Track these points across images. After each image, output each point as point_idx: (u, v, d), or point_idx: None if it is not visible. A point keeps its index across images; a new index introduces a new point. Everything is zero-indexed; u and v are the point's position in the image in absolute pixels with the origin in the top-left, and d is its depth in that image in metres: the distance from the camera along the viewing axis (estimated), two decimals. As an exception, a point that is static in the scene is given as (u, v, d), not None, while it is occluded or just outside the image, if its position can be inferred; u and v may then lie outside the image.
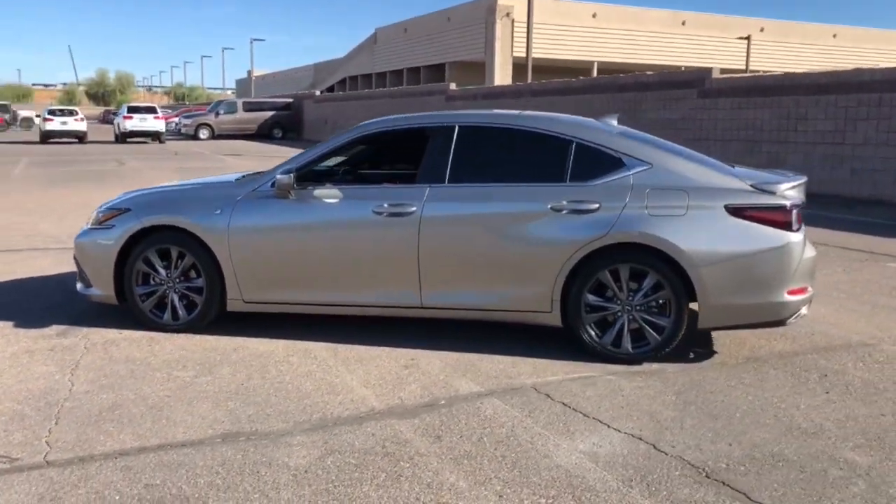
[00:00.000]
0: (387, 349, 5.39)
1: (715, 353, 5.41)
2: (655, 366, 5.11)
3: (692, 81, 18.51)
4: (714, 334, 5.76)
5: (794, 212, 5.01)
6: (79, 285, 6.05)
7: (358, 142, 5.78)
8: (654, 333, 5.10)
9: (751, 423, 4.21)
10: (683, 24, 52.27)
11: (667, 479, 3.56)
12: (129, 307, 5.84)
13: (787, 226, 4.98)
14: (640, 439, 3.99)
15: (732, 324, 5.15)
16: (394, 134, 5.77)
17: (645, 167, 5.19)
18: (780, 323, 5.12)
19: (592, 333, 5.17)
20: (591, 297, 5.14)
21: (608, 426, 4.15)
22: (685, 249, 4.95)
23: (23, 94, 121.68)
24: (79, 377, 4.81)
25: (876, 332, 5.96)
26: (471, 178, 5.37)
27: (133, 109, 36.55)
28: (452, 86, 31.24)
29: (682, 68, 31.30)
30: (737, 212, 5.00)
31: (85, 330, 5.80)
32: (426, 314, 5.45)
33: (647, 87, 19.91)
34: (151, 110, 36.52)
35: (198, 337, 5.65)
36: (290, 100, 44.54)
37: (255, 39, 73.79)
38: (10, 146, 34.03)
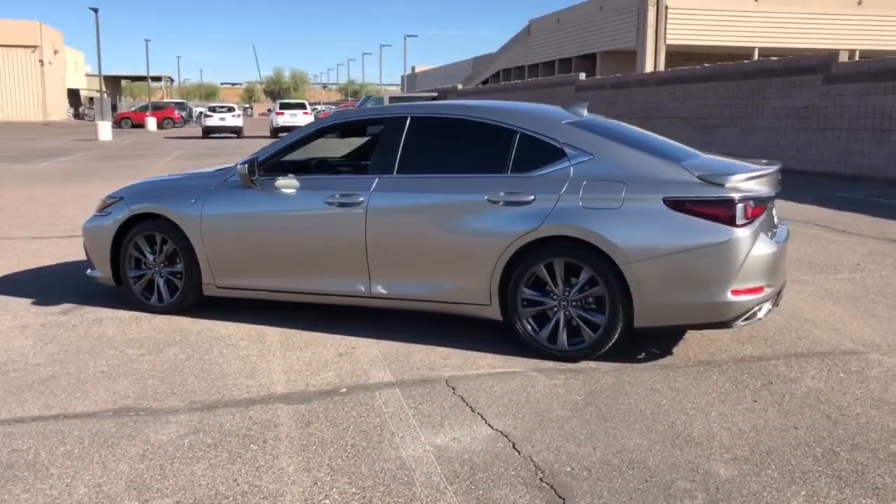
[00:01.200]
0: (337, 337, 5.48)
1: (671, 354, 5.11)
2: (592, 364, 4.91)
3: (817, 67, 17.20)
4: (691, 334, 5.43)
5: (741, 205, 4.64)
6: (88, 269, 6.55)
7: (322, 133, 5.89)
8: (590, 331, 4.89)
9: (639, 428, 3.98)
10: (860, 3, 48.33)
11: (496, 478, 3.45)
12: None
13: (729, 220, 4.62)
14: (506, 437, 3.87)
15: (671, 323, 4.85)
16: (354, 125, 5.84)
17: (586, 158, 4.98)
18: (725, 325, 4.77)
19: (529, 328, 5.03)
20: (527, 292, 5.00)
21: (485, 422, 4.05)
22: (618, 244, 4.72)
23: (210, 93, 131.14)
24: (44, 350, 5.24)
25: (877, 341, 5.41)
26: (418, 168, 5.36)
27: (285, 106, 38.59)
28: (582, 76, 30.68)
29: (857, 54, 28.94)
30: (676, 205, 4.70)
31: (87, 309, 6.28)
32: (377, 304, 5.50)
33: (771, 73, 18.69)
34: (301, 106, 38.39)
35: (176, 319, 5.98)
36: (435, 94, 45.22)
37: (408, 36, 75.71)
38: (174, 140, 36.89)
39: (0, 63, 57.35)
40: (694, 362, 4.96)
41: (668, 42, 43.71)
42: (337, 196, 5.42)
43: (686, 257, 4.66)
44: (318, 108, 52.89)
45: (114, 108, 56.61)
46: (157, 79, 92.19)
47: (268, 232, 5.65)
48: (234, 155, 25.71)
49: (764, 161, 5.44)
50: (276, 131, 37.88)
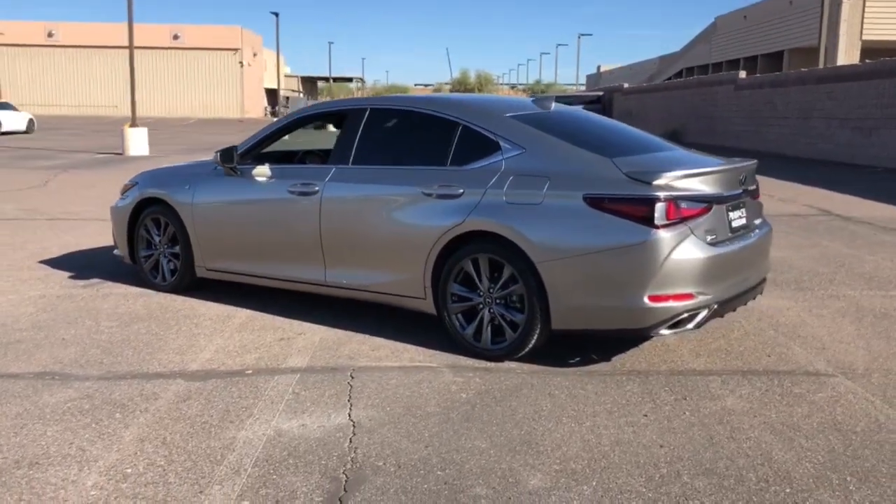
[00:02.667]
0: (297, 323, 5.62)
1: (608, 360, 4.82)
2: (513, 364, 4.74)
3: None
4: (652, 343, 5.10)
5: (662, 205, 4.30)
6: (115, 248, 7.10)
7: (298, 123, 6.04)
8: (511, 330, 4.72)
9: (493, 432, 3.81)
10: None
11: (303, 465, 3.44)
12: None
13: (646, 220, 4.30)
14: (354, 427, 3.84)
15: (588, 327, 4.57)
16: (327, 116, 5.94)
17: (518, 152, 4.80)
18: (642, 333, 4.44)
19: (457, 324, 4.92)
20: (456, 287, 4.90)
21: (349, 411, 4.03)
22: (534, 241, 4.52)
23: (398, 92, 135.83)
24: (37, 317, 5.75)
25: (858, 364, 4.81)
26: (371, 160, 5.39)
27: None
28: (742, 74, 28.93)
29: None
30: (595, 202, 4.43)
31: (108, 285, 6.81)
32: (334, 293, 5.58)
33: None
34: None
35: (173, 297, 6.36)
36: (601, 93, 44.38)
37: (582, 35, 74.21)
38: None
39: (204, 65, 62.62)
40: (624, 371, 4.65)
41: (864, 38, 40.35)
42: (298, 185, 5.55)
43: (602, 258, 4.38)
44: None
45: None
46: (349, 80, 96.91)
47: (243, 218, 5.89)
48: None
49: (737, 159, 5.02)
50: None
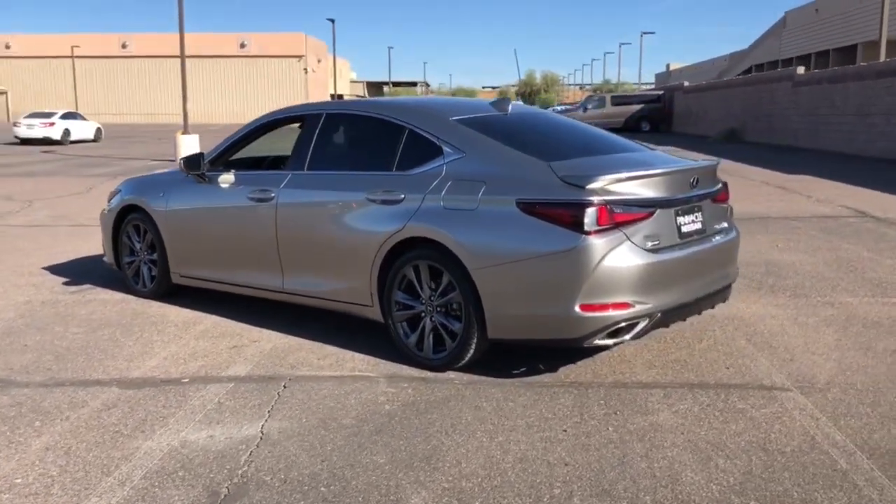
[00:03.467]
0: (256, 330, 5.59)
1: (554, 371, 4.64)
2: (452, 375, 4.61)
3: None
4: (611, 353, 4.90)
5: (593, 210, 4.10)
6: (104, 255, 7.21)
7: (261, 129, 6.00)
8: (450, 340, 4.59)
9: (399, 446, 3.69)
10: None
11: (191, 477, 3.39)
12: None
13: (576, 225, 4.11)
14: (261, 439, 3.78)
15: (523, 337, 4.40)
16: (286, 121, 5.89)
17: (459, 156, 4.67)
18: (575, 343, 4.24)
19: (401, 333, 4.82)
20: (400, 295, 4.79)
21: (263, 423, 3.97)
22: (468, 248, 4.39)
23: (467, 96, 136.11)
24: (14, 323, 5.86)
25: (821, 378, 4.53)
26: (324, 165, 5.33)
27: (501, 106, 39.11)
28: (800, 70, 27.87)
29: None
30: (527, 208, 4.27)
31: (96, 291, 6.90)
32: (290, 300, 5.53)
33: None
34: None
35: (150, 303, 6.41)
36: (661, 92, 43.51)
37: (645, 33, 72.69)
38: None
39: (269, 71, 63.83)
40: (566, 382, 4.46)
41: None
42: (256, 192, 5.53)
43: (533, 265, 4.21)
44: (555, 108, 52.67)
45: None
46: (413, 84, 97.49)
47: (209, 225, 5.89)
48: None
49: (692, 160, 4.79)
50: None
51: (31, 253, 8.73)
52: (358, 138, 5.36)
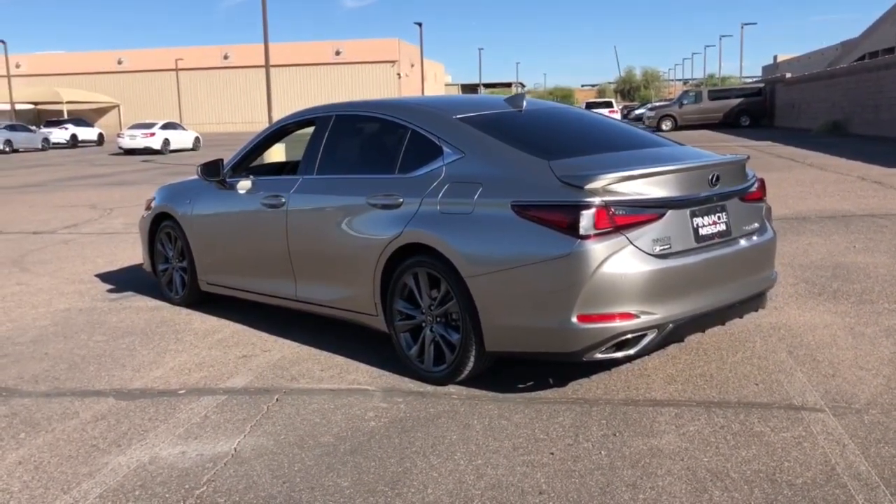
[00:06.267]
0: (272, 338, 5.47)
1: (563, 387, 4.31)
2: (453, 389, 4.35)
3: None
4: (629, 367, 4.54)
5: (591, 212, 3.76)
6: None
7: (277, 134, 5.87)
8: (450, 352, 4.32)
9: (370, 467, 3.46)
10: None
11: (148, 496, 3.26)
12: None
13: (571, 230, 3.77)
14: (234, 456, 3.61)
15: (520, 350, 4.08)
16: (300, 125, 5.74)
17: (458, 156, 4.40)
18: (574, 357, 3.90)
19: (403, 344, 4.58)
20: (401, 304, 4.56)
21: (240, 438, 3.81)
22: (463, 254, 4.11)
23: (565, 95, 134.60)
24: (47, 330, 5.93)
25: (861, 398, 4.04)
26: (332, 169, 5.15)
27: (591, 105, 38.47)
28: (909, 57, 25.98)
29: None
30: (522, 211, 3.96)
31: (134, 299, 6.96)
32: (304, 308, 5.38)
33: None
34: (607, 105, 37.85)
35: (181, 311, 6.40)
36: (762, 85, 41.61)
37: (746, 24, 69.68)
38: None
39: (364, 77, 64.68)
40: (571, 399, 4.13)
41: None
42: (269, 197, 5.40)
43: (528, 273, 3.90)
44: (646, 106, 51.26)
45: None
46: (508, 85, 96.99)
47: (228, 232, 5.81)
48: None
49: (715, 155, 4.38)
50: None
51: (91, 260, 8.93)
52: (364, 140, 5.16)
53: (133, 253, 9.27)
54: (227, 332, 5.68)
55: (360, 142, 5.17)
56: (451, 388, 4.33)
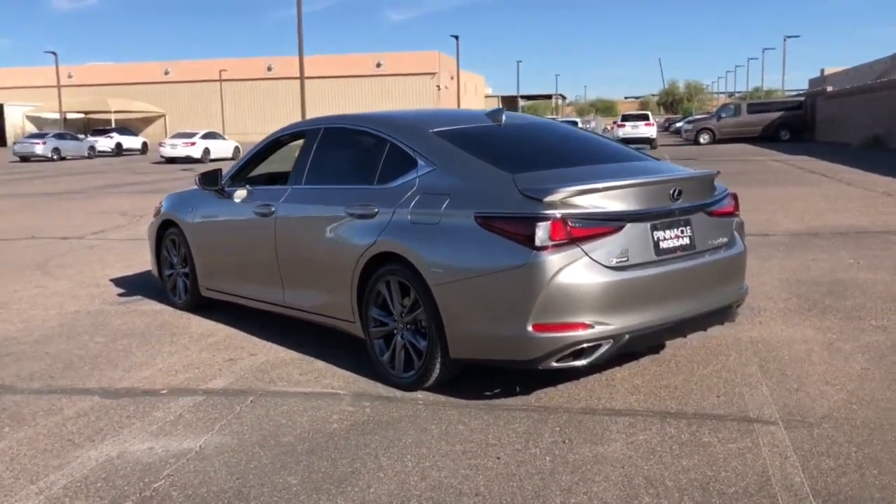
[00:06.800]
0: (262, 343, 5.64)
1: (527, 394, 4.41)
2: (420, 395, 4.47)
3: None
4: (605, 376, 4.63)
5: (546, 224, 3.86)
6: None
7: (272, 145, 6.07)
8: (417, 359, 4.45)
9: (320, 467, 3.60)
10: None
11: (106, 488, 3.44)
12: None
13: (528, 241, 3.88)
14: (197, 454, 3.78)
15: (482, 357, 4.20)
16: (292, 137, 5.92)
17: (430, 168, 4.54)
18: (529, 365, 4.00)
19: (377, 350, 4.72)
20: (375, 311, 4.70)
21: (207, 436, 3.97)
22: (429, 263, 4.25)
23: (607, 107, 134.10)
24: (52, 331, 6.18)
25: (818, 412, 4.07)
26: (318, 179, 5.32)
27: (627, 117, 38.16)
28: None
29: None
30: (485, 222, 4.08)
31: (142, 302, 7.20)
32: (291, 314, 5.55)
33: None
34: (643, 118, 37.62)
35: (182, 315, 6.61)
36: (802, 98, 41.05)
37: (788, 37, 68.55)
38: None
39: (403, 89, 65.32)
40: (533, 406, 4.22)
41: None
42: (260, 206, 5.59)
43: (488, 282, 4.02)
44: (685, 119, 50.79)
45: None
46: (548, 97, 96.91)
47: (225, 239, 6.03)
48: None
49: (681, 169, 4.46)
50: (622, 143, 37.46)
51: (110, 265, 9.23)
52: (348, 152, 5.32)
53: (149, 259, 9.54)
54: (221, 336, 5.87)
55: (344, 153, 5.34)
56: (419, 394, 4.45)
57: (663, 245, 4.17)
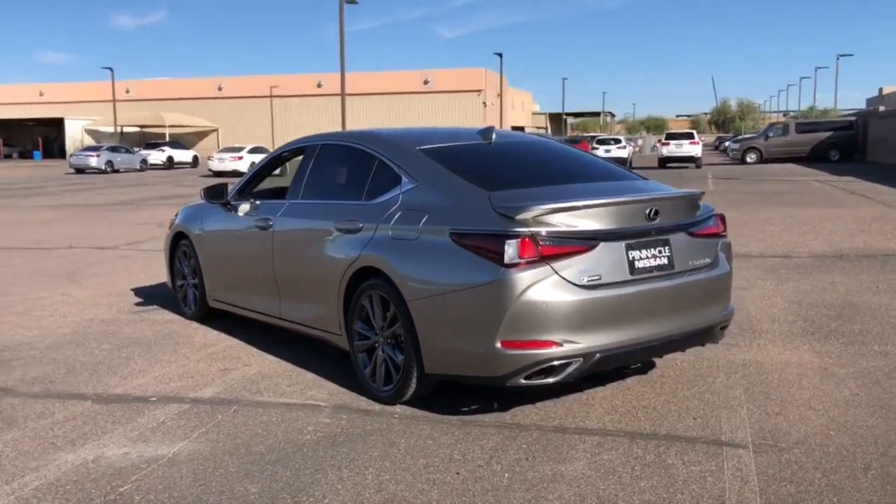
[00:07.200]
0: (261, 354, 5.74)
1: (506, 411, 4.42)
2: (398, 409, 4.52)
3: None
4: (592, 395, 4.62)
5: (516, 241, 3.89)
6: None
7: (275, 161, 6.20)
8: (396, 373, 4.50)
9: (282, 477, 3.66)
10: None
11: (73, 491, 3.55)
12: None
13: (497, 258, 3.91)
14: (169, 460, 3.88)
15: (455, 373, 4.22)
16: (294, 153, 6.04)
17: (413, 185, 4.60)
18: (498, 382, 4.02)
19: (360, 364, 4.78)
20: (359, 325, 4.77)
21: (182, 443, 4.07)
22: (407, 277, 4.31)
23: (657, 125, 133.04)
24: (63, 339, 6.37)
25: (792, 437, 4.00)
26: (313, 194, 5.43)
27: (671, 136, 37.78)
28: None
29: None
30: (459, 238, 4.12)
31: (157, 312, 7.38)
32: (288, 326, 5.65)
33: None
34: (688, 136, 37.22)
35: (190, 325, 6.77)
36: (853, 118, 40.16)
37: (841, 55, 67.10)
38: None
39: (450, 106, 65.70)
40: (506, 424, 4.23)
41: None
42: (260, 220, 5.72)
43: (460, 298, 4.06)
44: (736, 137, 50.06)
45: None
46: (596, 114, 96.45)
47: (229, 252, 6.18)
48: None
49: (663, 188, 4.46)
50: (662, 161, 37.23)
51: (136, 275, 9.47)
52: (341, 168, 5.42)
53: (174, 270, 9.77)
54: (222, 347, 5.99)
55: (337, 170, 5.44)
56: (397, 408, 4.49)
57: (639, 264, 4.16)
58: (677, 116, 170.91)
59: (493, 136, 5.10)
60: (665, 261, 4.27)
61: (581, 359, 3.96)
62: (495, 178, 4.50)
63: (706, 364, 5.17)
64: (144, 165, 44.25)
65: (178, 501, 3.41)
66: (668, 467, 3.63)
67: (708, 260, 4.51)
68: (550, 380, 3.99)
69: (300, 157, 5.85)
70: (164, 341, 6.21)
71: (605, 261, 4.04)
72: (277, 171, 6.57)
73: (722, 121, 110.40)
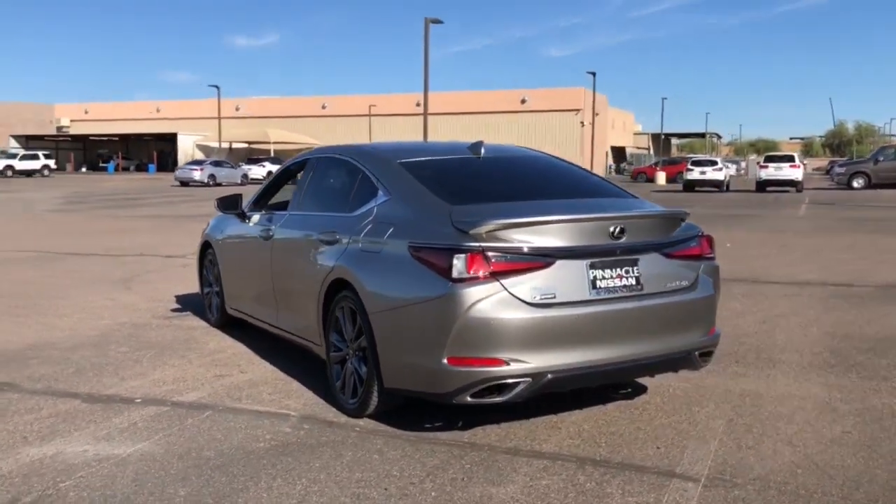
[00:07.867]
0: (261, 362, 5.84)
1: (469, 429, 4.34)
2: (361, 422, 4.50)
3: None
4: (575, 416, 4.50)
5: (464, 256, 3.82)
6: (201, 286, 7.92)
7: (284, 175, 6.31)
8: (360, 386, 4.49)
9: (205, 483, 3.70)
10: None
11: (5, 485, 3.69)
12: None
13: (445, 272, 3.85)
14: (119, 461, 3.97)
15: (409, 388, 4.16)
16: (298, 167, 6.13)
17: (387, 198, 4.60)
18: (444, 399, 3.94)
19: (333, 375, 4.79)
20: (334, 336, 4.78)
21: (142, 444, 4.17)
22: (369, 290, 4.31)
23: (768, 147, 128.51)
24: (89, 340, 6.64)
25: (751, 472, 3.76)
26: (307, 206, 5.50)
27: (770, 159, 36.41)
28: None
29: None
30: (415, 252, 4.09)
31: (187, 318, 7.60)
32: (281, 335, 5.73)
33: None
34: (789, 159, 35.77)
35: (210, 331, 6.94)
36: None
37: None
38: (682, 193, 37.37)
39: (547, 125, 65.48)
40: (460, 443, 4.15)
41: None
42: (264, 230, 5.83)
43: (412, 312, 4.02)
44: (841, 162, 47.80)
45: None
46: (702, 135, 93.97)
47: (239, 261, 6.34)
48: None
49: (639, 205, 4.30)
50: (761, 185, 35.87)
51: (185, 282, 9.77)
52: (333, 181, 5.47)
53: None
54: (228, 353, 6.11)
55: (329, 182, 5.49)
56: (361, 421, 4.47)
57: (601, 284, 4.01)
58: (790, 139, 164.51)
59: (482, 150, 5.03)
60: (633, 281, 4.10)
61: (530, 378, 3.83)
62: (464, 192, 4.44)
63: (700, 392, 4.93)
64: (245, 179, 45.90)
65: (106, 499, 3.48)
66: (603, 497, 3.46)
67: (685, 283, 4.30)
68: (498, 399, 3.88)
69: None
70: (179, 346, 6.38)
71: (562, 279, 3.91)
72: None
73: (837, 144, 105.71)
